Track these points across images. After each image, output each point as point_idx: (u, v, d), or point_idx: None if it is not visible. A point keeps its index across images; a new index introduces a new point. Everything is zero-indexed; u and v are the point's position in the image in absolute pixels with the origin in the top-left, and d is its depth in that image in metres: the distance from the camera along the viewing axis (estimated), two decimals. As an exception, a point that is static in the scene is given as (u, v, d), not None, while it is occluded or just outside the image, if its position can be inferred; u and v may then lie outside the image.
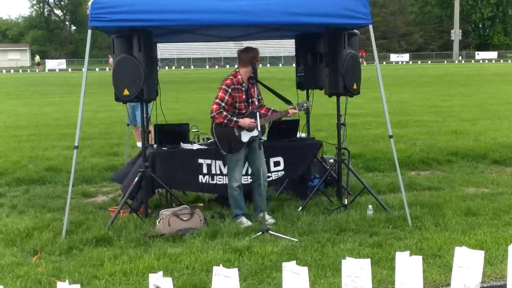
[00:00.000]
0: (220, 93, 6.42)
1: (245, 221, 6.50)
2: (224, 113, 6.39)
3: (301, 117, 7.58)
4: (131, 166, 7.52)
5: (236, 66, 6.76)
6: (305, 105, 6.79)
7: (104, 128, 15.55)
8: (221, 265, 3.77)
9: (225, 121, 6.39)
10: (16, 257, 5.44)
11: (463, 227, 6.16)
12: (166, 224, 6.11)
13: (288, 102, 6.69)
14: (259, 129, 6.28)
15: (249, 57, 6.51)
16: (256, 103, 6.55)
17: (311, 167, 7.66)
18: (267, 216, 6.39)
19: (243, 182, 6.78)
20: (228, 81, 6.47)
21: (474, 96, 24.30)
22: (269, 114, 6.62)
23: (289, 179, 7.63)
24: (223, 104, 6.40)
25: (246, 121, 6.44)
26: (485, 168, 9.68)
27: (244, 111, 6.52)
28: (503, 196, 7.54)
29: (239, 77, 6.50)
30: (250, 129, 6.49)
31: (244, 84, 6.50)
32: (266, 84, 6.72)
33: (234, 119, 6.43)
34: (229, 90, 6.42)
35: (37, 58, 77.36)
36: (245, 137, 6.51)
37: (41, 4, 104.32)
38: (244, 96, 6.50)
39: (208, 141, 7.53)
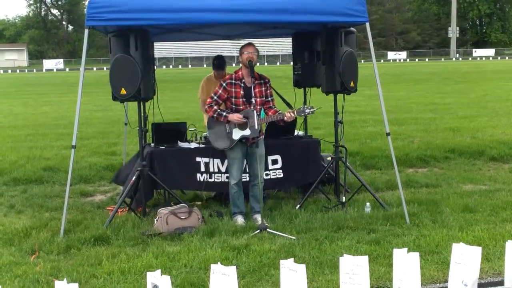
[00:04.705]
0: (216, 88, 6.49)
1: (240, 220, 6.47)
2: (215, 107, 6.42)
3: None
4: (129, 166, 7.51)
5: (233, 65, 6.74)
6: (307, 111, 6.40)
7: (102, 128, 15.55)
8: (219, 263, 3.79)
9: (215, 115, 6.42)
10: (14, 257, 5.44)
11: (461, 223, 6.17)
12: (164, 222, 6.11)
13: (288, 105, 6.62)
14: (256, 127, 6.27)
15: (240, 53, 6.50)
16: (254, 102, 6.33)
17: (319, 165, 7.46)
18: (260, 218, 6.36)
19: (243, 180, 6.73)
20: (227, 76, 6.50)
21: (472, 93, 24.32)
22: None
23: (289, 185, 7.64)
24: (215, 97, 6.44)
25: (234, 116, 6.35)
26: (483, 165, 9.70)
27: (241, 107, 6.43)
28: (501, 192, 7.56)
29: (240, 73, 6.48)
30: (242, 127, 6.41)
31: (244, 81, 6.45)
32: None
33: (224, 114, 6.39)
34: (224, 85, 6.42)
35: None
36: (236, 134, 6.42)
37: (38, 4, 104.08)
38: (242, 92, 6.41)
39: (206, 140, 7.53)
